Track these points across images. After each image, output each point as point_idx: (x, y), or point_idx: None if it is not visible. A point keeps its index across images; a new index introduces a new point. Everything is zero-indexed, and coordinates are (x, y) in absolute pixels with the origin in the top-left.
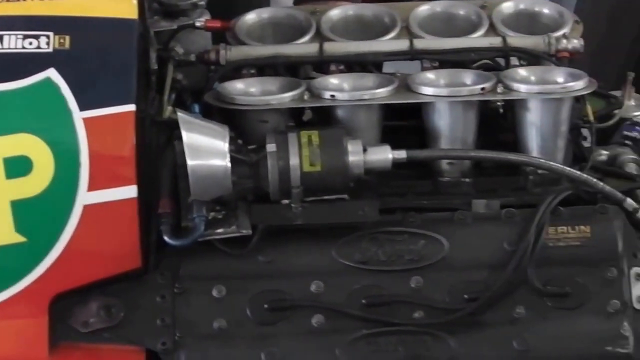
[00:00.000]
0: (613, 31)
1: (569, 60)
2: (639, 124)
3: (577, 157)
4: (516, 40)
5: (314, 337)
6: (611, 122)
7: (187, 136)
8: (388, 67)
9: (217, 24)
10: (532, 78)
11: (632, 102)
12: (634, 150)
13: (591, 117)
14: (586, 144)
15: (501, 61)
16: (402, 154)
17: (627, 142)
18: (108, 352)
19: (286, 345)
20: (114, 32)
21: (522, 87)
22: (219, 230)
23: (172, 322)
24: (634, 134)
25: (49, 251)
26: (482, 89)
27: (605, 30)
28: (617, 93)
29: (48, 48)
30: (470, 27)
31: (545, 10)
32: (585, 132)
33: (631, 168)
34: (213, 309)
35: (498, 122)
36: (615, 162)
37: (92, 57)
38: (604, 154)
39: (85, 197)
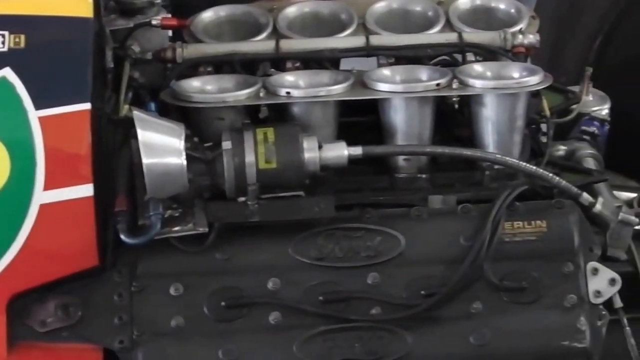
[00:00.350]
0: (573, 26)
1: (527, 55)
2: (597, 119)
3: (535, 152)
4: (472, 36)
5: (272, 334)
6: (569, 117)
7: (142, 134)
8: (347, 64)
9: (173, 21)
10: (488, 73)
11: (590, 97)
12: (592, 145)
13: (547, 112)
14: (545, 139)
15: (460, 57)
16: (357, 150)
17: (585, 137)
18: (66, 351)
19: (244, 343)
20: (69, 30)
21: (478, 83)
22: (176, 228)
23: (130, 320)
24: (592, 129)
25: (6, 251)
26: (438, 84)
27: (566, 25)
28: (575, 88)
29: (3, 47)
30: (426, 23)
31: (502, 6)
32: (545, 127)
33: (589, 163)
34: (171, 307)
35: (455, 118)
36: (573, 157)
37: (48, 56)
38: (561, 149)
39: (41, 196)
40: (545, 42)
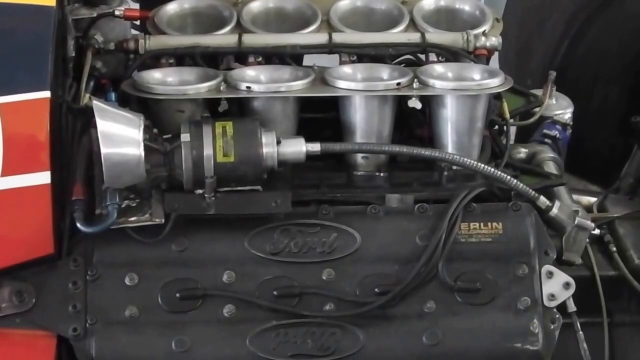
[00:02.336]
0: (540, 30)
1: (489, 57)
2: (559, 122)
3: (496, 154)
4: (435, 36)
5: (225, 327)
6: (531, 120)
7: (101, 124)
8: (309, 60)
9: (135, 12)
10: (449, 74)
11: (554, 101)
12: (553, 149)
13: (507, 115)
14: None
15: (424, 57)
16: (316, 146)
17: (546, 140)
18: (20, 337)
19: (197, 334)
20: (31, 18)
21: (438, 84)
22: (132, 219)
23: (84, 308)
24: (554, 133)
25: None
26: (398, 84)
27: (533, 29)
28: (540, 91)
29: None
30: (390, 22)
31: (466, 7)
32: (512, 129)
33: (549, 166)
34: (125, 296)
35: (415, 118)
36: (533, 160)
37: (8, 43)
38: (522, 152)
39: None
40: (513, 45)
